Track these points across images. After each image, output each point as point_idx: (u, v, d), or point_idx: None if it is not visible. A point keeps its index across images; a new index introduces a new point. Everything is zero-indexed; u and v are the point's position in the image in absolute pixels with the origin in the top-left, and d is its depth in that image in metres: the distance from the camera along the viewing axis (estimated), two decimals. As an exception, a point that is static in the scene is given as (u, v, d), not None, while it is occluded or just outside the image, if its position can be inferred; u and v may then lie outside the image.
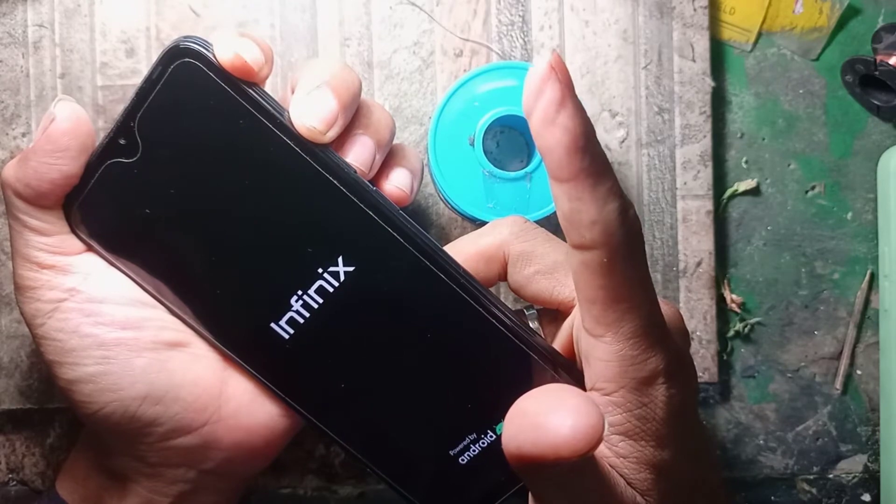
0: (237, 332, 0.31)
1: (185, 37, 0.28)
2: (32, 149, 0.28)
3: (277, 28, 0.38)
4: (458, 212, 0.35)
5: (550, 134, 0.24)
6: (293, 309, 0.30)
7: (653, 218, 0.39)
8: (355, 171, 0.29)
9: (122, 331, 0.30)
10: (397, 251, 0.29)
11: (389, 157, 0.32)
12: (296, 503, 0.42)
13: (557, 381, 0.29)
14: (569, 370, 0.30)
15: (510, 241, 0.30)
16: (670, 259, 0.39)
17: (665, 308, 0.28)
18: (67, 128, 0.28)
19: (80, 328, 0.29)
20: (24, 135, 0.38)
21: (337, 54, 0.38)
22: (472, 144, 0.34)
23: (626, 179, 0.39)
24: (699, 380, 0.40)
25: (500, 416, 0.30)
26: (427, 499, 0.32)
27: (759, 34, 0.40)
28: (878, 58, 0.39)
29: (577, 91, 0.38)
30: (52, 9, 0.38)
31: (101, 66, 0.38)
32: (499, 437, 0.30)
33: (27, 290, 0.29)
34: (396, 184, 0.31)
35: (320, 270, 0.29)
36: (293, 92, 0.29)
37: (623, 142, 0.39)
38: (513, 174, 0.34)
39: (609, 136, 0.39)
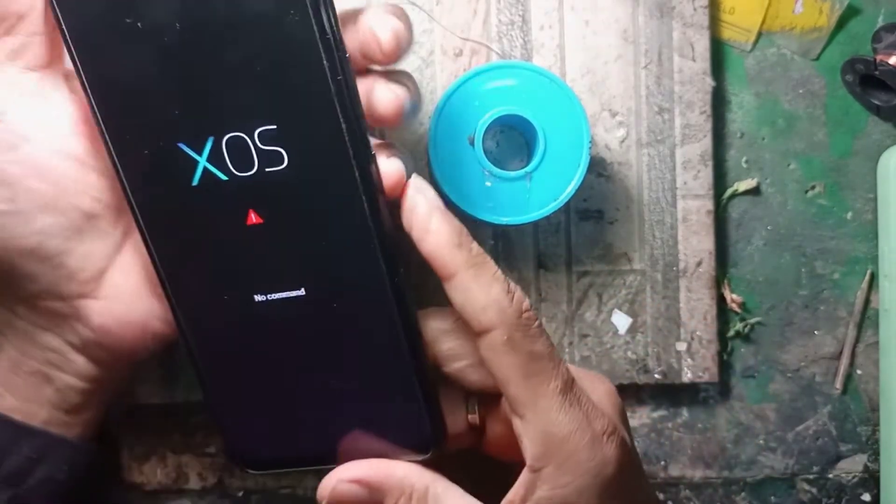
0: (147, 161, 0.29)
1: None
2: None
3: (277, 28, 0.38)
4: (458, 211, 0.35)
5: (428, 240, 0.28)
6: (210, 154, 0.28)
7: (653, 218, 0.39)
8: (364, 129, 0.28)
9: (38, 180, 0.28)
10: (356, 222, 0.28)
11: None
12: (295, 503, 0.42)
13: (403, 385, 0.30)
14: (426, 392, 0.30)
15: (438, 338, 0.31)
16: (670, 259, 0.39)
17: (597, 384, 0.31)
18: None
19: None
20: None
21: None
22: (472, 144, 0.34)
23: (626, 179, 0.39)
24: (699, 380, 0.40)
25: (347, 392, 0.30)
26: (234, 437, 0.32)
27: (759, 34, 0.40)
28: (878, 57, 0.39)
29: (578, 91, 0.38)
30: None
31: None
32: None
33: None
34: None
35: (254, 132, 0.28)
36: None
37: (623, 141, 0.39)
38: (513, 174, 0.34)
39: (609, 136, 0.39)
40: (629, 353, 0.40)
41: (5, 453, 0.31)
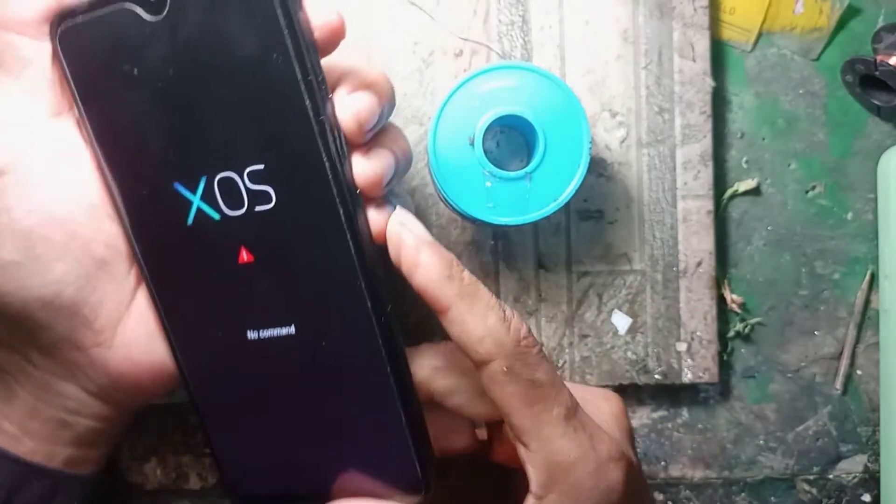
0: (151, 213, 0.30)
1: None
2: None
3: (277, 28, 0.38)
4: (458, 212, 0.35)
5: (418, 274, 0.28)
6: (203, 194, 0.29)
7: (653, 218, 0.39)
8: (349, 170, 0.28)
9: (53, 229, 0.28)
10: (341, 261, 0.28)
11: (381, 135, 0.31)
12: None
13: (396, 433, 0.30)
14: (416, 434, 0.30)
15: (432, 376, 0.31)
16: (670, 259, 0.39)
17: (603, 404, 0.31)
18: None
19: (12, 210, 0.28)
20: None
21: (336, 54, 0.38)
22: (472, 144, 0.34)
23: (626, 179, 0.39)
24: (699, 380, 0.40)
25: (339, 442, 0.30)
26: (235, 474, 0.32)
27: (760, 34, 0.40)
28: (879, 58, 0.39)
29: (578, 91, 0.38)
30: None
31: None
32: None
33: None
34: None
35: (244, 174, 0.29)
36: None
37: (623, 141, 0.39)
38: (513, 174, 0.34)
39: (609, 136, 0.39)
40: (629, 354, 0.40)
41: (16, 492, 0.31)
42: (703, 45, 0.39)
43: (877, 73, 0.39)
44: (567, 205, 0.35)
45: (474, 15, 0.39)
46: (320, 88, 0.27)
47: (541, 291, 0.40)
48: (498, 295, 0.39)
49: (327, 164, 0.28)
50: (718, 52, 0.40)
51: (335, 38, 0.28)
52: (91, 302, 0.30)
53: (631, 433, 0.31)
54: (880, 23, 0.40)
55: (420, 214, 0.39)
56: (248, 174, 0.28)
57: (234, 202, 0.29)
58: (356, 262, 0.28)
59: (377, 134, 0.30)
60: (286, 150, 0.28)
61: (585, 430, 0.28)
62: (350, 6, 0.38)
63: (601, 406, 0.31)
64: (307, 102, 0.27)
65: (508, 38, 0.39)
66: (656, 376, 0.40)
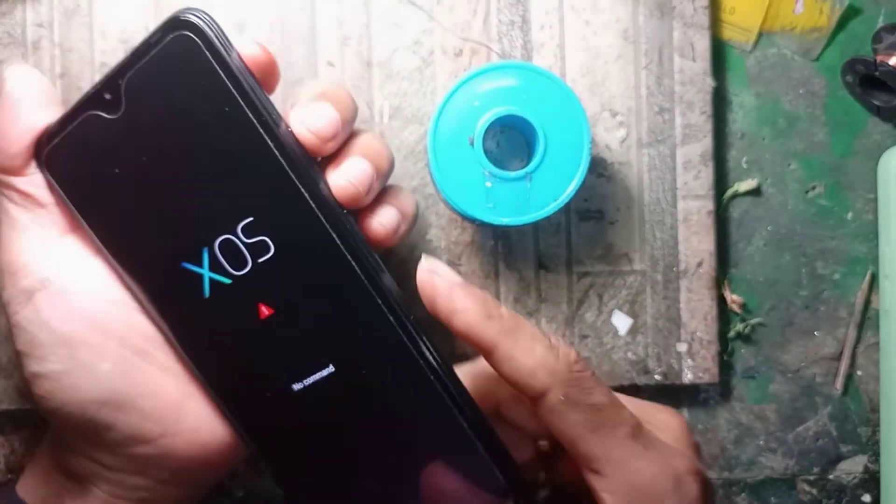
0: (172, 304, 0.30)
1: (188, 8, 0.28)
2: None
3: (277, 28, 0.38)
4: (458, 212, 0.35)
5: (457, 320, 0.27)
6: (210, 264, 0.30)
7: (653, 218, 0.39)
8: (329, 190, 0.29)
9: (89, 331, 0.30)
10: (351, 282, 0.29)
11: (382, 194, 0.32)
12: (295, 504, 0.42)
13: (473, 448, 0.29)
14: (490, 442, 0.29)
15: (493, 389, 0.30)
16: (671, 259, 0.39)
17: (669, 420, 0.30)
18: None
19: (50, 322, 0.29)
20: (23, 135, 0.38)
21: (336, 53, 0.38)
22: (472, 144, 0.34)
23: (627, 179, 0.39)
24: (700, 380, 0.40)
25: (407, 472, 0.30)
26: None
27: (760, 34, 0.40)
28: (879, 58, 0.39)
29: (578, 91, 0.38)
30: (52, 9, 0.38)
31: (100, 66, 0.38)
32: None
33: (5, 276, 0.30)
34: (380, 220, 0.31)
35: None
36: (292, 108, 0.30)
37: (623, 141, 0.39)
38: (513, 174, 0.34)
39: (609, 136, 0.39)
40: (629, 354, 0.40)
41: None
42: (703, 44, 0.39)
43: (877, 73, 0.39)
44: (567, 205, 0.35)
45: (474, 15, 0.39)
46: (274, 121, 0.28)
47: (541, 292, 0.40)
48: (498, 295, 0.39)
49: (303, 191, 0.28)
50: (719, 52, 0.40)
51: (268, 68, 0.29)
52: (146, 393, 0.30)
53: (699, 449, 0.30)
54: (880, 23, 0.40)
55: (420, 215, 0.39)
56: (241, 230, 0.29)
57: (239, 261, 0.29)
58: (364, 279, 0.29)
59: (346, 144, 0.30)
60: (264, 192, 0.29)
61: (656, 447, 0.27)
62: (350, 5, 0.38)
63: (667, 422, 0.30)
64: (268, 140, 0.28)
65: (508, 38, 0.39)
66: (656, 377, 0.40)
